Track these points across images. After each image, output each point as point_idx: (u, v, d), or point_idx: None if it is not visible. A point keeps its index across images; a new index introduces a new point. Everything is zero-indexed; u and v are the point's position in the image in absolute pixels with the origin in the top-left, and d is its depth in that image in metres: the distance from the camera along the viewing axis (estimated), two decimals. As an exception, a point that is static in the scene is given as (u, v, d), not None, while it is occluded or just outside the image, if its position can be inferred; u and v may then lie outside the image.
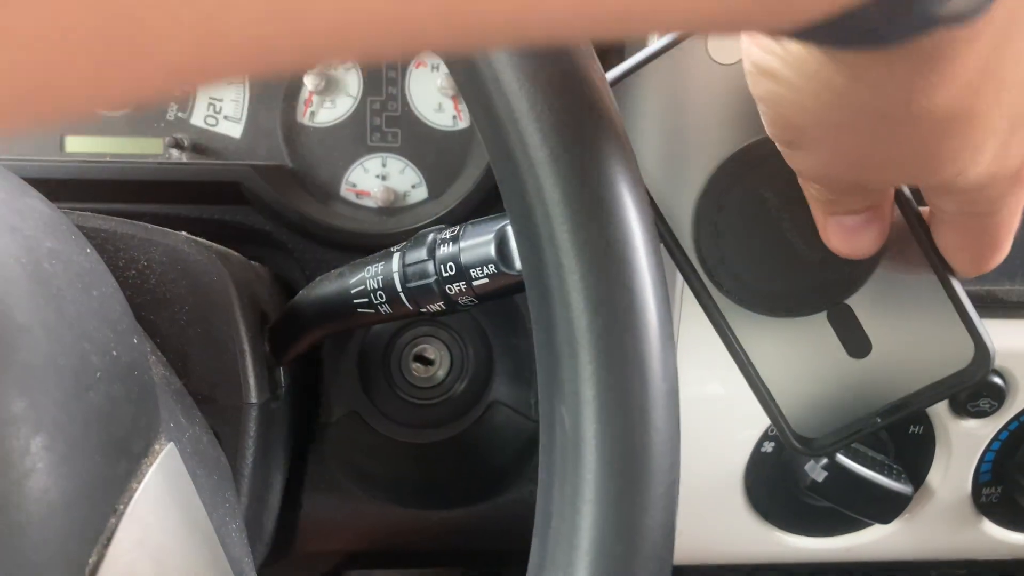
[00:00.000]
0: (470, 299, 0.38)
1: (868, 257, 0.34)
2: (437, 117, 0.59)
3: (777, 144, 0.30)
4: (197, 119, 0.58)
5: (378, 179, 0.59)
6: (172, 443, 0.30)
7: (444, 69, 0.58)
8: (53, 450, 0.24)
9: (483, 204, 0.55)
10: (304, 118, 0.59)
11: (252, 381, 0.39)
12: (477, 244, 0.37)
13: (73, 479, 0.25)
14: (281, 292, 0.51)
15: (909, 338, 0.36)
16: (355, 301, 0.40)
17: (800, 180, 0.32)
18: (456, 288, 0.38)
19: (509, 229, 0.37)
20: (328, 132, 0.59)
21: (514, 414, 0.57)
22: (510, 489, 0.55)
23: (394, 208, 0.59)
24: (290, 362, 0.45)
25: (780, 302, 0.36)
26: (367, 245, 0.49)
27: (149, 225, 0.39)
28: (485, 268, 0.37)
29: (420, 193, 0.59)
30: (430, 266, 0.38)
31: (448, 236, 0.38)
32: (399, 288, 0.39)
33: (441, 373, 0.57)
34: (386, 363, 0.56)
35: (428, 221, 0.55)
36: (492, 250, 0.37)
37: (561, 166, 0.25)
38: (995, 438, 0.52)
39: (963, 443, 0.51)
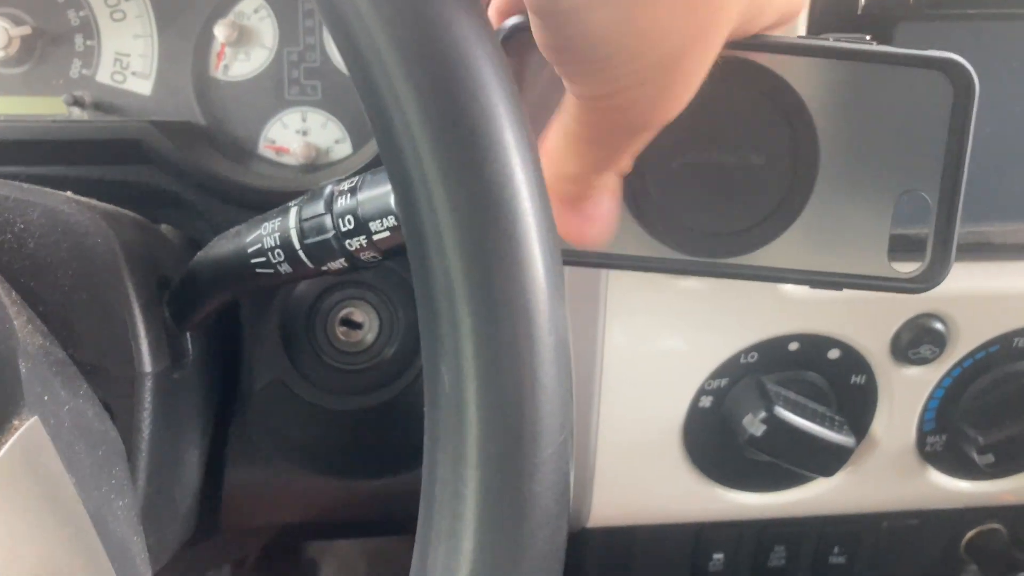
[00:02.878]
0: (372, 255, 0.36)
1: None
2: (359, 68, 0.56)
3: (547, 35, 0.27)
4: (103, 76, 0.55)
5: (298, 134, 0.56)
6: (36, 417, 0.28)
7: (365, 17, 0.55)
8: None
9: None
10: (217, 72, 0.55)
11: (145, 349, 0.36)
12: (376, 195, 0.34)
13: None
14: (192, 257, 0.48)
15: None
16: (253, 261, 0.37)
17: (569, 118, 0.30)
18: (356, 243, 0.35)
19: (412, 177, 0.34)
20: (243, 86, 0.55)
21: (448, 377, 0.55)
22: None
23: (316, 165, 0.56)
24: (196, 329, 0.42)
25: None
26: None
27: (26, 185, 0.36)
28: (385, 220, 0.34)
29: (344, 149, 0.57)
30: (327, 220, 0.35)
31: (346, 188, 0.35)
32: (297, 245, 0.36)
33: (370, 337, 0.54)
34: (310, 328, 0.54)
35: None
36: (392, 201, 0.34)
37: (431, 100, 0.23)
38: (938, 385, 0.50)
39: (906, 392, 0.50)
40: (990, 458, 0.50)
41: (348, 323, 0.54)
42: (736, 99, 0.37)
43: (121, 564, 0.29)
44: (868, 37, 0.39)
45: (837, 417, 0.49)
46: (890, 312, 0.48)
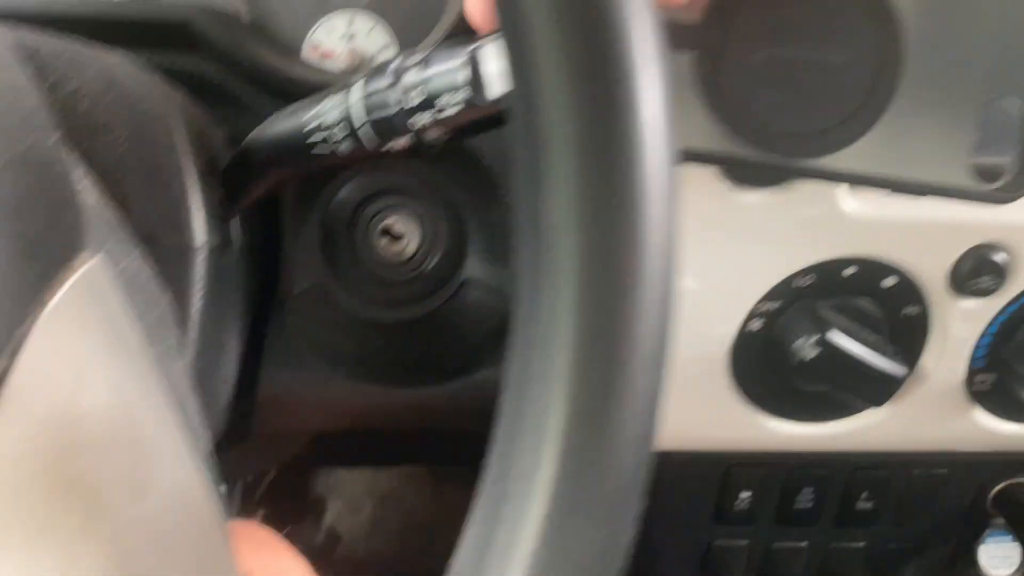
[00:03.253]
0: (438, 133, 0.34)
1: None
2: (410, -29, 0.54)
3: None
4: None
5: (344, 39, 0.55)
6: (99, 257, 0.26)
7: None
8: None
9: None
10: (264, -32, 0.54)
11: (199, 221, 0.35)
12: (447, 69, 0.33)
13: None
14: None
15: None
16: (309, 140, 0.36)
17: None
18: (423, 120, 0.34)
19: (484, 51, 0.33)
20: (290, -15, 0.54)
21: (488, 293, 0.54)
22: (482, 368, 0.52)
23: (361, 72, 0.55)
24: (244, 214, 0.41)
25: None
26: None
27: (82, 44, 0.35)
28: (455, 96, 0.33)
29: (390, 55, 0.55)
30: (392, 95, 0.34)
31: (416, 61, 0.34)
32: (357, 123, 0.35)
33: (411, 248, 0.53)
34: (351, 236, 0.52)
35: None
36: (464, 75, 0.33)
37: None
38: (992, 321, 0.49)
39: (959, 325, 0.49)
40: (1042, 398, 0.49)
41: (388, 234, 0.53)
42: None
43: (181, 419, 0.28)
44: None
45: (890, 346, 0.48)
46: (952, 240, 0.46)
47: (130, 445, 0.25)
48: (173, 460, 0.26)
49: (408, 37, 0.55)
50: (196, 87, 0.48)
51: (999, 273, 0.46)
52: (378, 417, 0.52)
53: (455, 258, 0.54)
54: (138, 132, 0.34)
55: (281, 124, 0.37)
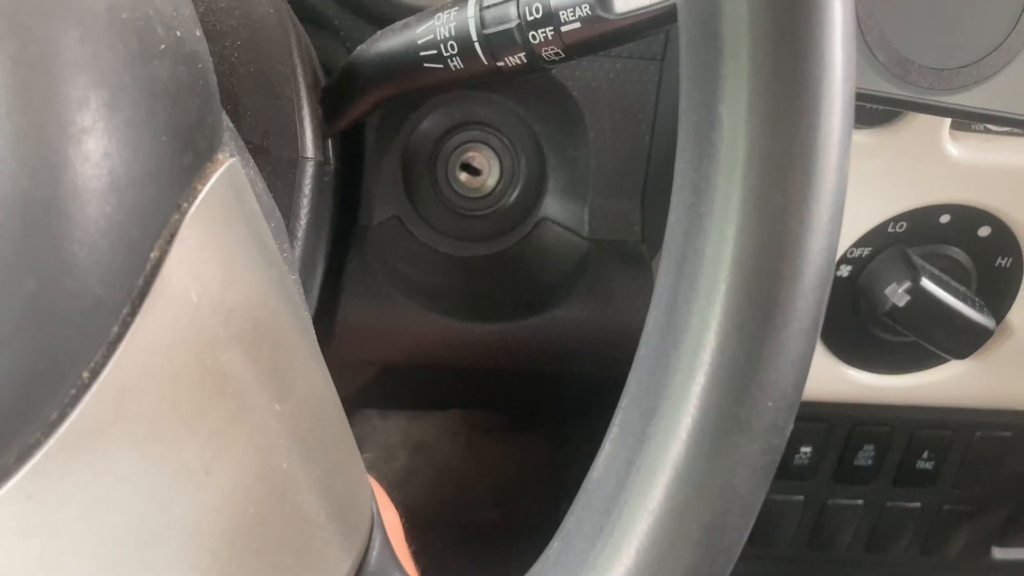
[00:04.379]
0: (556, 50, 0.34)
1: None
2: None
3: None
4: None
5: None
6: (236, 158, 0.26)
7: None
8: (116, 111, 0.20)
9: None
10: None
11: (309, 133, 0.35)
12: None
13: (136, 152, 0.21)
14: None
15: None
16: (422, 54, 0.35)
17: None
18: (541, 35, 0.33)
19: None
20: None
21: (565, 232, 0.53)
22: (556, 308, 0.51)
23: None
24: (340, 134, 0.40)
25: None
26: None
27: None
28: (578, 10, 0.32)
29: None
30: (512, 8, 0.33)
31: None
32: (474, 36, 0.34)
33: (491, 183, 0.53)
34: (432, 168, 0.52)
35: None
36: None
37: None
38: (1088, 276, 0.48)
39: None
40: None
41: (468, 168, 0.53)
42: None
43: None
44: None
45: (978, 299, 0.47)
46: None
47: (273, 345, 0.24)
48: (309, 366, 0.26)
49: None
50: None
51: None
52: (450, 351, 0.51)
53: (534, 195, 0.53)
54: (251, 40, 0.33)
55: (391, 40, 0.36)
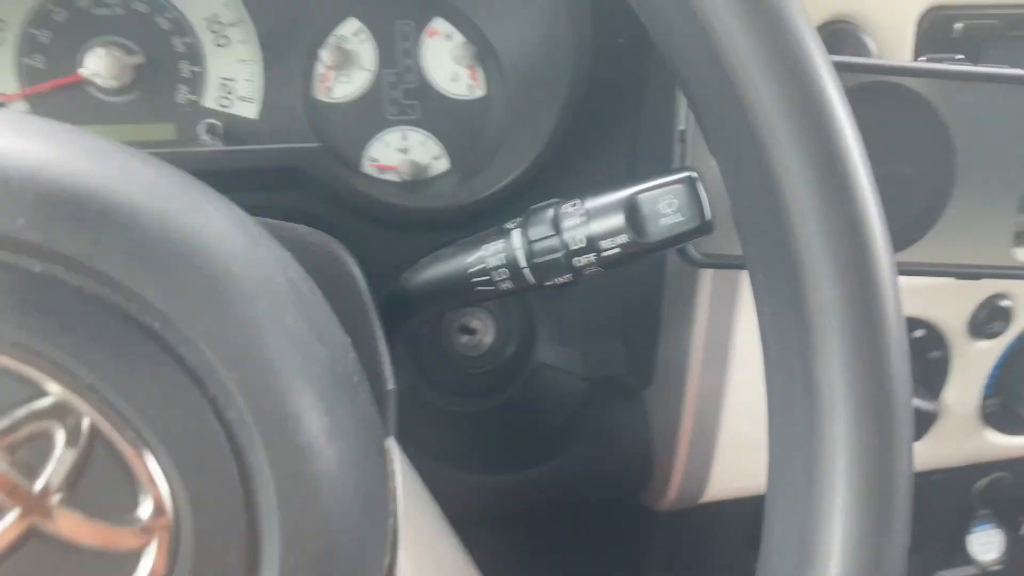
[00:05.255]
0: (596, 269, 0.39)
1: None
2: (453, 87, 0.59)
3: None
4: (209, 101, 0.56)
5: (399, 152, 0.59)
6: (391, 437, 0.30)
7: (457, 38, 0.58)
8: (346, 444, 0.25)
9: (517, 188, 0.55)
10: (322, 94, 0.57)
11: (389, 368, 0.39)
12: (607, 217, 0.38)
13: (362, 475, 0.25)
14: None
15: None
16: (474, 280, 0.41)
17: None
18: (585, 260, 0.39)
19: (639, 199, 0.38)
20: (345, 108, 0.57)
21: (560, 375, 0.58)
22: (566, 450, 0.56)
23: (417, 181, 0.59)
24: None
25: None
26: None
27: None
28: (617, 239, 0.38)
29: (442, 164, 0.59)
30: (557, 240, 0.39)
31: (571, 210, 0.39)
32: (524, 264, 0.39)
33: (488, 340, 0.58)
34: (436, 336, 0.56)
35: (466, 203, 0.54)
36: (623, 221, 0.38)
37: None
38: (1000, 355, 0.58)
39: (976, 362, 0.57)
40: (1046, 413, 0.58)
41: (466, 330, 0.57)
42: (891, 118, 0.43)
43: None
44: (960, 56, 0.45)
45: (921, 388, 0.55)
46: (969, 294, 0.54)
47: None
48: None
49: (455, 146, 0.59)
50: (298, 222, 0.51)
51: (1007, 317, 0.55)
52: (470, 507, 0.55)
53: (528, 344, 0.59)
54: (331, 295, 0.37)
55: (440, 267, 0.41)
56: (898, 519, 0.28)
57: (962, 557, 0.80)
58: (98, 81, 0.53)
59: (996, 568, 0.81)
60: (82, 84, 0.53)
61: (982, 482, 0.77)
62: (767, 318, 0.29)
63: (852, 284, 0.26)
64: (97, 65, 0.53)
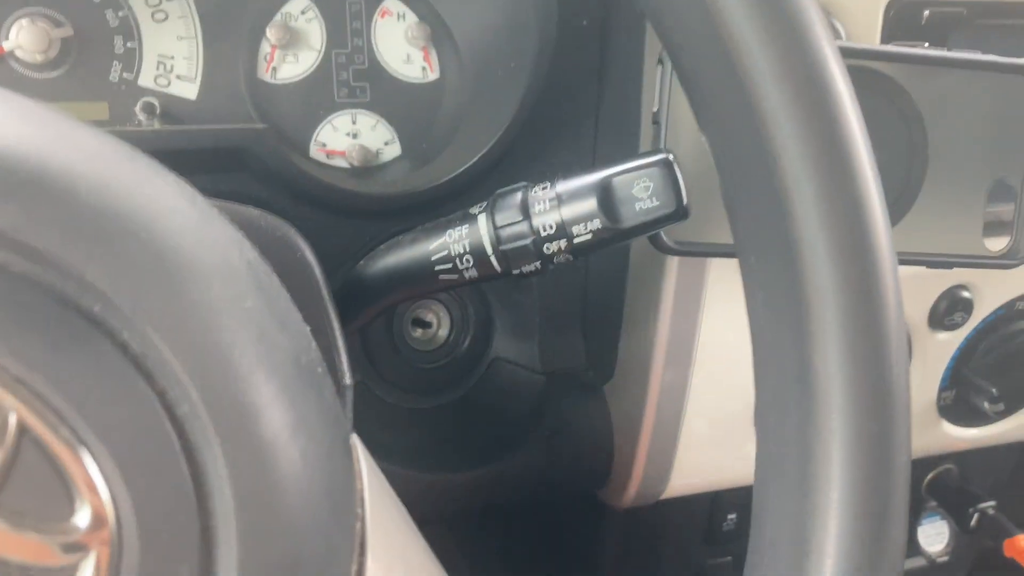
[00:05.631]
0: (566, 256, 0.37)
1: None
2: (406, 69, 0.56)
3: None
4: (146, 80, 0.52)
5: (349, 137, 0.56)
6: (354, 433, 0.28)
7: (411, 17, 0.56)
8: (311, 442, 0.22)
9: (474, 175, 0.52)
10: (267, 74, 0.54)
11: (346, 362, 0.36)
12: (579, 201, 0.36)
13: (328, 476, 0.23)
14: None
15: None
16: (437, 268, 0.38)
17: None
18: (555, 247, 0.37)
19: (612, 182, 0.36)
20: (292, 88, 0.54)
21: (518, 369, 0.56)
22: (525, 445, 0.54)
23: (367, 167, 0.56)
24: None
25: None
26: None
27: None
28: (588, 224, 0.36)
29: (394, 150, 0.57)
30: (525, 226, 0.37)
31: (541, 194, 0.37)
32: (490, 251, 0.37)
33: (442, 334, 0.55)
34: (388, 329, 0.54)
35: (420, 189, 0.51)
36: (595, 205, 0.36)
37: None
38: (957, 347, 0.58)
39: (935, 354, 0.57)
40: (1000, 406, 0.58)
41: (419, 323, 0.55)
42: (865, 105, 0.42)
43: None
44: (926, 44, 0.45)
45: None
46: (930, 285, 0.54)
47: None
48: None
49: (407, 131, 0.57)
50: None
51: (967, 308, 0.55)
52: (435, 502, 0.53)
53: (484, 338, 0.56)
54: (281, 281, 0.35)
55: (400, 254, 0.39)
56: (897, 514, 0.26)
57: (911, 548, 0.81)
58: (21, 55, 0.49)
59: (943, 560, 0.82)
60: (4, 58, 0.49)
61: (931, 475, 0.78)
62: (758, 304, 0.27)
63: (854, 266, 0.25)
64: (21, 37, 0.49)
